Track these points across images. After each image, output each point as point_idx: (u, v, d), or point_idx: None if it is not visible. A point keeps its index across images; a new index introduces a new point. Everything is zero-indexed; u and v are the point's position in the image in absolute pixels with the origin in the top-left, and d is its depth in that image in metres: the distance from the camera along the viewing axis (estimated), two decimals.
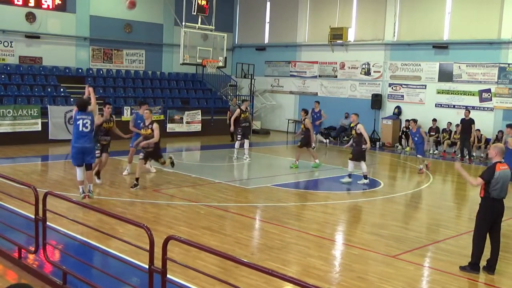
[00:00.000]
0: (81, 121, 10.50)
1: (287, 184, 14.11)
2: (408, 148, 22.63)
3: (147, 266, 5.59)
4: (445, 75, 23.04)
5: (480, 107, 21.98)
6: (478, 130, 21.23)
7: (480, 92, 22.04)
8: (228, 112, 22.22)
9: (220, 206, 11.19)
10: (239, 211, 10.76)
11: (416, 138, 17.32)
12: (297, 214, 10.88)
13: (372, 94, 25.08)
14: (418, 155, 17.35)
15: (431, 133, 22.79)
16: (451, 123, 22.31)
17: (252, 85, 29.16)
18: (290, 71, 28.96)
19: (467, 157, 20.36)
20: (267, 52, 29.78)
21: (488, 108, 21.80)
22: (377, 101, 24.79)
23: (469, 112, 20.67)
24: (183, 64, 21.56)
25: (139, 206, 10.93)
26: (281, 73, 29.43)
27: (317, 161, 17.32)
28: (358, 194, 13.47)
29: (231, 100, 22.53)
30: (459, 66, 22.55)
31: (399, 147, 23.62)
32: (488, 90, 21.80)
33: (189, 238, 8.19)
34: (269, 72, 29.97)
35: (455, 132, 21.99)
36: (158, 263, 5.47)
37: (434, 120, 22.66)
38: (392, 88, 24.86)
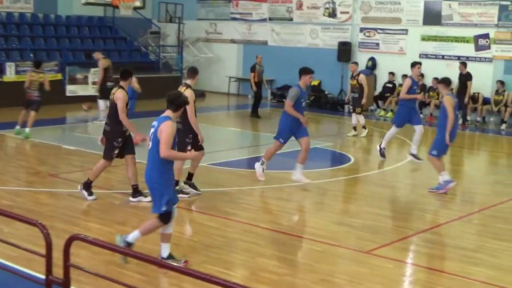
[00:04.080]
0: None
1: (229, 162, 14.16)
2: (390, 114, 23.03)
3: (43, 276, 5.54)
4: (432, 17, 23.48)
5: (475, 58, 22.56)
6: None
7: (476, 38, 22.60)
8: (253, 74, 21.80)
9: None
10: None
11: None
12: (243, 202, 10.96)
13: (338, 43, 25.34)
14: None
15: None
16: (437, 79, 22.80)
17: (181, 33, 28.88)
18: (231, 13, 28.84)
19: (461, 122, 21.01)
20: None
21: (485, 58, 22.42)
22: (345, 52, 25.07)
23: (465, 65, 21.21)
24: (86, 4, 21.15)
25: (30, 197, 10.75)
26: (219, 16, 29.27)
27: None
28: (324, 173, 13.67)
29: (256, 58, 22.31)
30: (450, 5, 23.03)
31: (378, 111, 24.04)
32: (486, 36, 22.38)
33: (101, 237, 8.12)
34: (203, 15, 29.74)
35: (465, 93, 22.40)
36: (58, 271, 5.42)
37: (421, 75, 23.09)
38: (364, 34, 25.18)
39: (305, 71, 12.08)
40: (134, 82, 15.09)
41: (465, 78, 20.80)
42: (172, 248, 8.09)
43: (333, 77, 25.27)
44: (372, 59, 24.77)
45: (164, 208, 7.47)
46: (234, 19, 28.78)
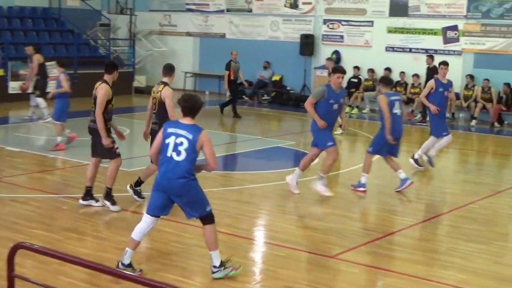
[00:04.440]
0: None
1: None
2: (355, 110, 23.21)
3: None
4: (399, 8, 23.74)
5: (444, 51, 22.87)
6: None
7: (444, 30, 22.93)
8: (229, 71, 21.42)
9: None
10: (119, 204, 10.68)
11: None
12: None
13: (301, 35, 25.45)
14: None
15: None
16: (404, 73, 23.12)
17: (133, 25, 28.70)
18: (187, 4, 28.75)
19: (418, 117, 21.38)
20: None
21: (454, 51, 22.74)
22: (308, 45, 25.19)
23: (433, 58, 21.50)
24: None
25: None
26: (174, 7, 29.15)
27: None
28: (286, 173, 13.71)
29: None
30: None
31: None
32: (455, 27, 22.71)
33: (48, 245, 8.05)
34: (157, 6, 29.61)
35: (412, 85, 22.84)
36: (2, 283, 5.36)
37: (388, 69, 23.36)
38: (328, 26, 25.33)
39: (333, 69, 11.71)
40: (63, 80, 14.90)
41: (432, 72, 21.05)
42: None
43: (296, 71, 25.37)
44: (336, 53, 24.91)
45: (208, 208, 7.64)
46: (190, 10, 28.69)
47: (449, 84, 14.03)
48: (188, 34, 28.87)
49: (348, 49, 24.80)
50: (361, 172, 12.28)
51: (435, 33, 23.07)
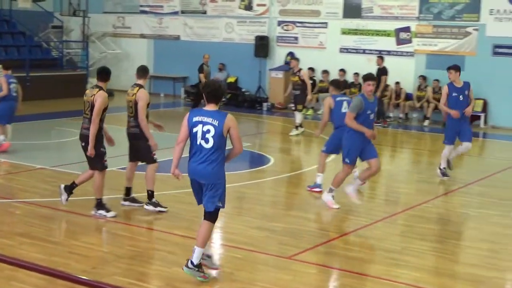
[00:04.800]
0: None
1: (142, 166, 14.01)
2: (310, 111, 23.31)
3: None
4: (352, 9, 23.96)
5: (397, 52, 23.16)
6: (398, 82, 22.42)
7: (397, 31, 23.20)
8: (202, 74, 21.24)
9: (44, 202, 10.91)
10: (73, 208, 10.56)
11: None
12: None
13: (255, 37, 25.50)
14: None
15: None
16: (358, 74, 23.32)
17: (86, 27, 28.42)
18: (140, 6, 28.61)
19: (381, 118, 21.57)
20: None
21: (407, 52, 23.03)
22: (262, 46, 25.25)
23: (383, 59, 21.74)
24: None
25: None
26: (128, 9, 28.98)
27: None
28: (242, 175, 13.72)
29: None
30: None
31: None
32: (407, 29, 23.01)
33: (0, 251, 7.93)
34: (110, 8, 29.38)
35: (378, 87, 22.99)
36: None
37: (342, 70, 23.55)
38: (282, 27, 25.43)
39: (364, 77, 10.99)
40: (3, 82, 14.59)
41: (380, 72, 21.30)
42: (81, 260, 7.96)
43: (251, 73, 25.42)
44: (291, 54, 25.01)
45: (220, 204, 7.67)
46: (144, 12, 28.55)
47: (465, 87, 13.57)
48: (142, 36, 28.72)
49: (302, 50, 24.91)
50: (316, 173, 12.35)
51: (388, 35, 23.32)
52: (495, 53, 21.70)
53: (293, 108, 19.11)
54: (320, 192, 12.00)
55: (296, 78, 18.68)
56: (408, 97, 22.66)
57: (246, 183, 13.02)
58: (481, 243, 9.70)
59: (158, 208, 10.36)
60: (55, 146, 16.53)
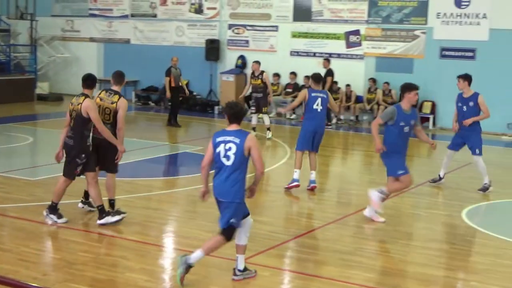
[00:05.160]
0: None
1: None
2: (261, 115, 23.32)
3: None
4: (302, 13, 24.11)
5: (347, 55, 23.39)
6: (348, 85, 22.65)
7: (347, 34, 23.42)
8: (169, 78, 20.73)
9: None
10: (22, 215, 10.43)
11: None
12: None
13: (206, 40, 25.49)
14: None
15: (288, 90, 23.82)
16: (309, 77, 23.42)
17: (34, 30, 28.03)
18: (90, 9, 28.35)
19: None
20: None
21: (357, 55, 23.27)
22: (213, 50, 25.25)
23: (329, 61, 22.01)
24: None
25: None
26: (77, 12, 28.70)
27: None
28: (195, 178, 13.70)
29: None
30: (320, 0, 23.73)
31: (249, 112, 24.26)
32: (357, 32, 23.25)
33: None
34: (59, 11, 29.06)
35: (323, 87, 23.20)
36: None
37: (293, 73, 23.69)
38: (233, 31, 25.46)
39: (408, 87, 10.53)
40: None
41: (328, 74, 21.61)
42: (31, 266, 7.85)
43: (202, 77, 25.40)
44: (241, 57, 25.08)
45: (234, 220, 7.75)
46: (93, 15, 28.30)
47: (472, 98, 12.97)
48: (92, 39, 28.46)
49: (253, 53, 24.96)
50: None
51: (338, 38, 23.54)
52: (443, 56, 22.07)
53: (253, 111, 19.13)
54: (298, 186, 12.05)
55: (259, 81, 18.78)
56: (359, 99, 22.90)
57: (199, 186, 12.96)
58: (431, 243, 9.86)
59: (122, 215, 10.15)
60: (3, 151, 16.27)
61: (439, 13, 22.00)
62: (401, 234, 10.30)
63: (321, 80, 13.42)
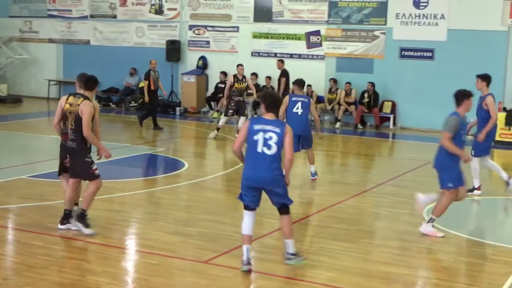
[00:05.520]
0: None
1: (51, 173, 13.75)
2: (216, 114, 23.35)
3: None
4: (263, 14, 24.16)
5: (308, 55, 23.51)
6: (310, 85, 22.75)
7: (307, 35, 23.54)
8: (148, 81, 20.28)
9: None
10: None
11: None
12: None
13: (167, 41, 25.41)
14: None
15: (249, 91, 23.83)
16: (270, 78, 23.55)
17: None
18: (48, 10, 28.08)
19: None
20: None
21: (317, 56, 23.40)
22: (174, 51, 25.17)
23: (283, 62, 22.28)
24: None
25: None
26: (35, 13, 28.39)
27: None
28: (157, 180, 13.66)
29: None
30: (280, 1, 23.82)
31: (211, 112, 24.26)
32: (317, 32, 23.37)
33: None
34: (17, 11, 28.72)
35: (278, 88, 23.30)
36: None
37: (254, 74, 23.71)
38: (193, 32, 25.41)
39: (468, 94, 9.89)
40: None
41: (280, 75, 21.86)
42: None
43: (163, 78, 25.13)
44: (203, 58, 25.06)
45: (289, 200, 8.55)
46: (52, 16, 28.03)
47: (482, 99, 12.67)
48: (51, 40, 28.18)
49: (214, 54, 24.98)
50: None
51: (299, 38, 23.64)
52: (402, 56, 22.30)
53: (231, 113, 18.79)
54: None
55: (243, 85, 18.83)
56: (320, 99, 23.01)
57: (161, 188, 12.97)
58: (393, 241, 9.96)
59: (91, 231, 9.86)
60: None
61: (398, 13, 22.23)
62: (363, 233, 10.39)
63: (304, 84, 13.90)
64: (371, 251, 9.61)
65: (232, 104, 18.72)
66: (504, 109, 19.79)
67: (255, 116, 10.95)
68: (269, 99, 8.20)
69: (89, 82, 9.85)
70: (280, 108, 12.54)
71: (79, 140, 9.51)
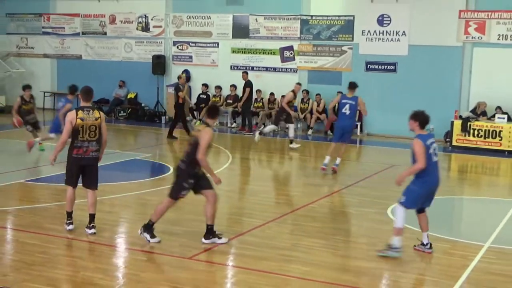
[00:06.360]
0: None
1: (47, 178, 13.67)
2: (199, 122, 23.30)
3: None
4: (241, 30, 24.18)
5: (282, 68, 23.55)
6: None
7: (282, 50, 23.59)
8: (179, 93, 19.70)
9: None
10: None
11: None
12: (63, 217, 10.59)
13: (153, 56, 25.33)
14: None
15: (228, 101, 23.83)
16: (235, 87, 23.63)
17: None
18: (43, 27, 27.89)
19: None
20: (7, 1, 28.24)
21: (291, 69, 23.45)
22: (159, 65, 25.11)
23: (247, 74, 22.73)
24: None
25: None
26: (30, 30, 28.21)
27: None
28: (144, 183, 13.60)
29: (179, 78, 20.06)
30: (256, 19, 23.84)
31: (194, 121, 24.20)
32: (290, 48, 23.43)
33: None
34: (13, 29, 28.51)
35: (256, 99, 23.35)
36: None
37: (233, 86, 23.70)
38: (177, 47, 25.36)
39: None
40: None
41: (245, 85, 22.24)
42: None
43: (149, 89, 25.26)
44: (186, 72, 24.99)
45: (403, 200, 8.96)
46: (46, 33, 27.84)
47: None
48: (46, 55, 28.00)
49: (196, 68, 24.96)
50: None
51: (274, 53, 23.68)
52: (368, 69, 22.42)
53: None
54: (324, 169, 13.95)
55: (294, 101, 19.56)
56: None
57: (148, 190, 12.90)
58: (361, 237, 9.99)
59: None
60: None
61: (364, 30, 22.34)
62: (335, 231, 10.40)
63: (354, 87, 14.70)
64: (342, 247, 9.62)
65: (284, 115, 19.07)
66: (460, 117, 19.92)
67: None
68: (421, 117, 8.79)
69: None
70: (330, 104, 13.68)
71: (189, 162, 9.33)
